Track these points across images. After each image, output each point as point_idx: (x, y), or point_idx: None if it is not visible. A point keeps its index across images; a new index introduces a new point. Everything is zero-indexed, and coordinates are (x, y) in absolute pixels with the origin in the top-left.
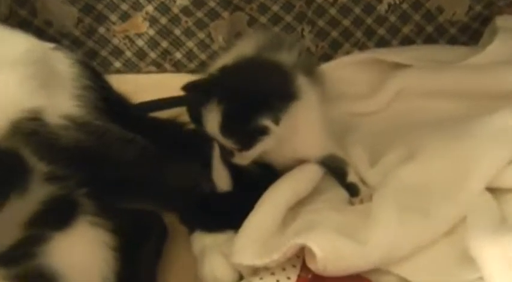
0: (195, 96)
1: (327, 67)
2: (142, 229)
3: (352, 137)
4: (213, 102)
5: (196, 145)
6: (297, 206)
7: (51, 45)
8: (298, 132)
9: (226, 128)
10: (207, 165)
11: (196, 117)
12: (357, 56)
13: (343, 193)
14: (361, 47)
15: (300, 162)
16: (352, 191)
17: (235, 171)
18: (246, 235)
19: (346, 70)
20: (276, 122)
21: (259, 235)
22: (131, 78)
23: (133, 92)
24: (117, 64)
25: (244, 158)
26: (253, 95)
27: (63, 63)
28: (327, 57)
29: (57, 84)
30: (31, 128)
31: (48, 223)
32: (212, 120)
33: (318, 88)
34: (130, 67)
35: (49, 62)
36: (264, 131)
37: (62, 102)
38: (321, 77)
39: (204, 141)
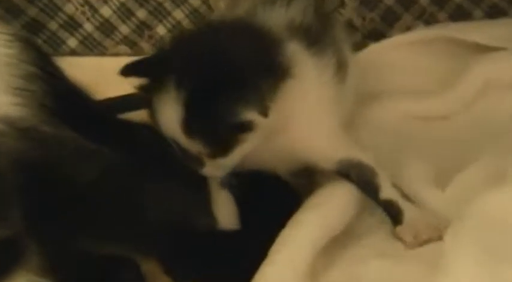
0: (143, 84)
1: (376, 48)
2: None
3: (409, 147)
4: (168, 88)
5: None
6: (328, 249)
7: None
8: (293, 123)
9: (190, 125)
10: (202, 190)
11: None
12: (422, 34)
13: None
14: (428, 20)
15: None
16: (392, 212)
17: (244, 199)
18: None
19: (404, 53)
20: (264, 112)
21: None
22: (92, 63)
23: (96, 83)
24: (72, 42)
25: (218, 168)
26: (227, 74)
27: None
28: (378, 35)
29: None
30: None
31: None
32: (169, 115)
33: (327, 60)
34: (91, 46)
35: None
36: (246, 127)
37: None
38: (339, 45)
39: None
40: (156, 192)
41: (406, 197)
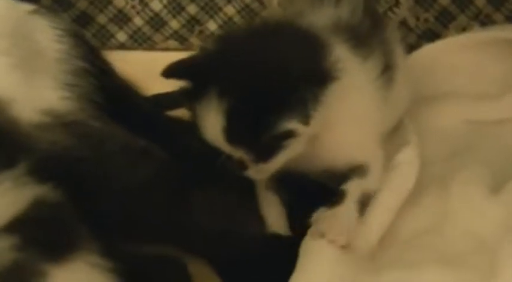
0: (185, 87)
1: (431, 49)
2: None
3: (465, 151)
4: (211, 95)
5: None
6: (371, 252)
7: (29, 7)
8: (332, 127)
9: (233, 133)
10: (251, 195)
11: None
12: (478, 35)
13: (450, 231)
14: (484, 21)
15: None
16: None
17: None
18: None
19: (459, 55)
20: (306, 121)
21: None
22: (141, 57)
23: (144, 78)
24: (122, 36)
25: (261, 172)
26: (272, 84)
27: (46, 36)
28: (432, 35)
29: (37, 66)
30: None
31: (40, 249)
32: (211, 122)
33: (374, 63)
34: (140, 41)
35: (24, 32)
36: (288, 135)
37: (42, 92)
38: (389, 47)
39: None
40: (204, 193)
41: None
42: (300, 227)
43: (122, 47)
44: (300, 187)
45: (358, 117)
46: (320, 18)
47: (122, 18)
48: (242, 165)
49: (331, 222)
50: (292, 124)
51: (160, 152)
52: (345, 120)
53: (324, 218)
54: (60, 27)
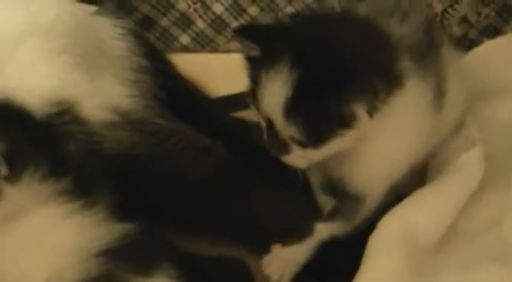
0: (252, 54)
1: (492, 45)
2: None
3: None
4: (281, 65)
5: None
6: (434, 249)
7: (92, 8)
8: (377, 139)
9: (295, 106)
10: (307, 194)
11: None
12: None
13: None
14: None
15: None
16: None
17: None
18: None
19: None
20: (371, 111)
21: None
22: (204, 59)
23: (207, 79)
24: (184, 39)
25: (303, 159)
26: (347, 64)
27: (108, 34)
28: (493, 31)
29: (100, 64)
30: (62, 128)
31: (127, 264)
32: (274, 93)
33: (428, 84)
34: (203, 43)
35: (89, 32)
36: (348, 122)
37: (107, 89)
38: (442, 68)
39: None
40: (269, 192)
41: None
42: None
43: (185, 49)
44: None
45: (402, 136)
46: (391, 29)
47: (184, 21)
48: (285, 148)
49: (276, 261)
50: (358, 108)
51: (222, 150)
52: (386, 136)
53: (273, 255)
54: (122, 27)
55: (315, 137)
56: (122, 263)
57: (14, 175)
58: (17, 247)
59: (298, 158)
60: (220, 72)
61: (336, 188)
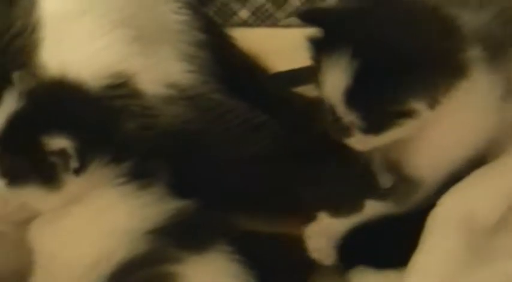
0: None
1: None
2: (278, 262)
3: None
4: (343, 51)
5: None
6: (492, 231)
7: None
8: (433, 126)
9: (355, 95)
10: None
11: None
12: None
13: None
14: None
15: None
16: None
17: None
18: (419, 275)
19: None
20: (432, 105)
21: (437, 274)
22: (263, 34)
23: (267, 55)
24: (244, 13)
25: (364, 143)
26: (410, 56)
27: (167, 8)
28: None
29: (158, 37)
30: (119, 101)
31: (179, 242)
32: (335, 79)
33: (500, 77)
34: (263, 17)
35: (147, 6)
36: (407, 114)
37: (164, 64)
38: None
39: None
40: (326, 171)
41: None
42: None
43: (244, 24)
44: None
45: (463, 127)
46: (463, 18)
47: None
48: (346, 132)
49: (317, 231)
50: (418, 104)
51: (278, 126)
52: (449, 124)
53: (315, 225)
54: (180, 0)
55: (375, 125)
56: (174, 241)
57: (81, 168)
58: (69, 230)
59: (359, 142)
60: (279, 47)
61: (394, 170)
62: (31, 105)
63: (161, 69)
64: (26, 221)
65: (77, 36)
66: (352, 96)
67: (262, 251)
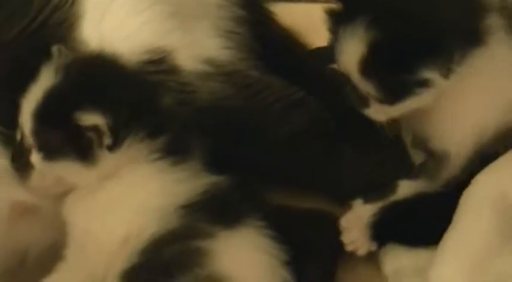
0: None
1: None
2: (310, 238)
3: None
4: (360, 21)
5: None
6: None
7: None
8: (454, 96)
9: (369, 66)
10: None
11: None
12: None
13: None
14: None
15: None
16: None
17: None
18: (450, 253)
19: None
20: (446, 74)
21: (468, 254)
22: (304, 9)
23: (307, 30)
24: None
25: (382, 113)
26: (424, 27)
27: None
28: None
29: (196, 13)
30: (156, 76)
31: (211, 217)
32: (351, 50)
33: None
34: None
35: None
36: (423, 84)
37: (202, 40)
38: None
39: None
40: (363, 150)
41: None
42: None
43: None
44: None
45: (484, 97)
46: None
47: None
48: (364, 102)
49: (354, 218)
50: (432, 74)
51: (315, 104)
52: (470, 94)
53: (351, 213)
54: None
55: (390, 95)
56: (206, 216)
57: (115, 145)
58: (104, 205)
59: (377, 112)
60: (318, 23)
61: (422, 145)
62: (67, 81)
63: (199, 45)
64: (61, 195)
65: (117, 11)
66: (367, 67)
67: (294, 226)
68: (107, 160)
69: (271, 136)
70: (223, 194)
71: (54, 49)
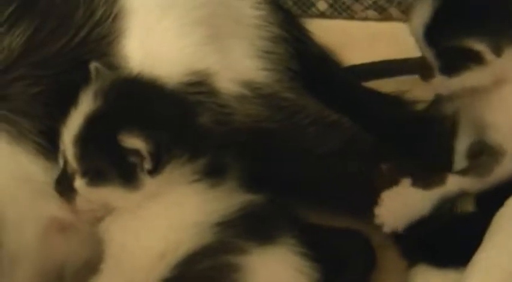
0: None
1: None
2: (343, 255)
3: None
4: None
5: (428, 139)
6: None
7: None
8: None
9: (431, 31)
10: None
11: None
12: None
13: None
14: None
15: None
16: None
17: None
18: (479, 273)
19: None
20: (496, 50)
21: (498, 275)
22: (341, 26)
23: (343, 47)
24: (322, 5)
25: (443, 87)
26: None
27: (243, 2)
28: None
29: (235, 34)
30: (194, 97)
31: (245, 233)
32: (419, 14)
33: None
34: (340, 10)
35: (224, 1)
36: (475, 57)
37: (240, 62)
38: None
39: (441, 135)
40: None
41: None
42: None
43: (322, 15)
44: None
45: None
46: None
47: None
48: (430, 72)
49: (391, 200)
50: (480, 46)
51: (351, 124)
52: None
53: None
54: None
55: (446, 65)
56: (240, 233)
57: (156, 170)
58: (140, 222)
59: (439, 84)
60: (356, 39)
61: (477, 145)
62: (108, 105)
63: (237, 67)
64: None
65: (162, 31)
66: (429, 33)
67: (326, 244)
68: (150, 183)
69: (306, 157)
70: (257, 212)
71: (92, 67)
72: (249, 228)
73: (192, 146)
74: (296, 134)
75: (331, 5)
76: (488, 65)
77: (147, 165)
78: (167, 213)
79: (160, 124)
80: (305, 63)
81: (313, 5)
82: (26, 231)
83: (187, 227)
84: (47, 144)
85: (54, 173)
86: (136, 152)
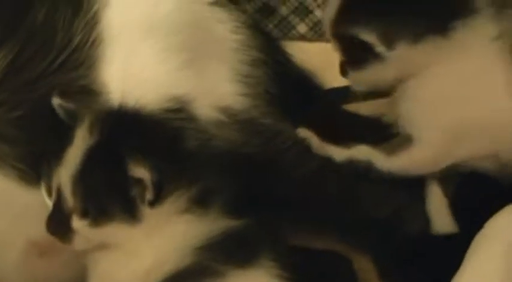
0: None
1: None
2: (324, 277)
3: None
4: None
5: None
6: None
7: None
8: (431, 73)
9: (334, 22)
10: (419, 195)
11: None
12: None
13: None
14: None
15: None
16: None
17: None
18: None
19: None
20: (387, 43)
21: None
22: (321, 48)
23: (324, 70)
24: (302, 28)
25: (356, 80)
26: None
27: (224, 27)
28: None
29: (214, 58)
30: (176, 123)
31: (224, 256)
32: (329, 9)
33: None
34: (320, 32)
35: (205, 26)
36: (370, 51)
37: (219, 86)
38: None
39: None
40: (373, 187)
41: None
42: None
43: (302, 38)
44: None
45: (458, 77)
46: None
47: (302, 10)
48: (344, 69)
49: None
50: (369, 36)
51: None
52: (443, 71)
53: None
54: (238, 19)
55: (350, 59)
56: (219, 256)
57: (157, 200)
58: (122, 247)
59: (353, 78)
60: (337, 62)
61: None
62: (105, 138)
63: (216, 92)
64: None
65: (141, 57)
66: (334, 27)
67: (308, 267)
68: (150, 215)
69: (286, 180)
70: (237, 235)
71: (55, 104)
72: (227, 252)
73: (187, 174)
74: (275, 158)
75: (311, 28)
76: (386, 59)
77: (149, 195)
78: (150, 238)
79: (157, 153)
80: (285, 85)
81: (293, 27)
82: (6, 255)
83: (170, 251)
84: (27, 168)
85: (36, 199)
86: (138, 183)
